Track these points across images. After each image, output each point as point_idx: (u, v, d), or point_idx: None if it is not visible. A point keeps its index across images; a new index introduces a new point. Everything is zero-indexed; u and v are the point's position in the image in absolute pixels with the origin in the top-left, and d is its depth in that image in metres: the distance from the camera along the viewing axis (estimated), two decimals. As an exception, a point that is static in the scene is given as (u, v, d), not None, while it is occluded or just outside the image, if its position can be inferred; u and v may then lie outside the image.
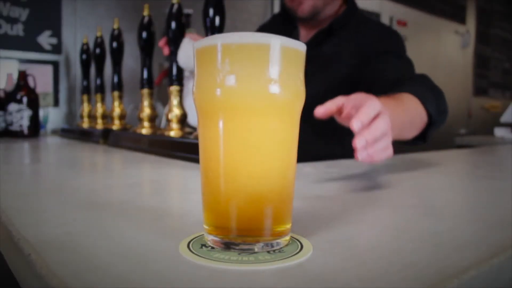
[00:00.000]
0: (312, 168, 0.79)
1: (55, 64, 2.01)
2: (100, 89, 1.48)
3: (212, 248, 0.30)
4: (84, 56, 1.54)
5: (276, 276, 0.25)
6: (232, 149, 0.30)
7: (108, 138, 1.24)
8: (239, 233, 0.29)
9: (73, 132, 1.56)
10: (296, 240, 0.32)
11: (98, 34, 1.44)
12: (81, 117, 1.58)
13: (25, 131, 1.52)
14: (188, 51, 0.97)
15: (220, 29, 0.83)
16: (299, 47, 0.31)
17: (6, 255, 0.35)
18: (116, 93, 1.33)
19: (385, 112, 0.55)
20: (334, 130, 0.84)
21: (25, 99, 1.52)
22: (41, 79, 1.90)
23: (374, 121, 0.53)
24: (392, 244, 0.32)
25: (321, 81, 1.12)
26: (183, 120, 0.98)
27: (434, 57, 4.01)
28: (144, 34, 1.09)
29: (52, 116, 1.95)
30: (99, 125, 1.44)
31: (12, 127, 1.51)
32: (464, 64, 4.38)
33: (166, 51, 1.05)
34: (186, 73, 1.07)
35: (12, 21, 1.89)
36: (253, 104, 0.29)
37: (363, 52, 1.11)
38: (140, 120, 1.11)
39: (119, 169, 0.83)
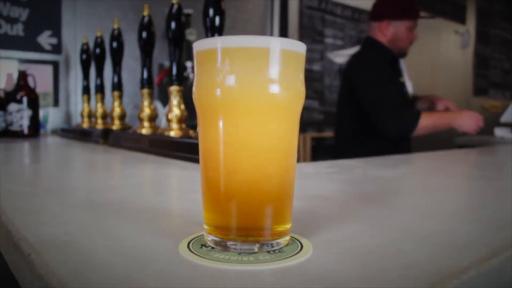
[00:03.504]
0: (312, 168, 0.79)
1: (55, 64, 2.01)
2: (100, 89, 1.48)
3: (212, 248, 0.30)
4: (84, 56, 1.54)
5: (276, 276, 0.25)
6: (232, 149, 0.30)
7: (108, 138, 1.24)
8: (239, 233, 0.29)
9: (73, 132, 1.56)
10: (296, 240, 0.32)
11: (98, 34, 1.44)
12: (81, 117, 1.58)
13: (25, 131, 1.52)
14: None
15: (220, 29, 0.83)
16: (299, 49, 0.31)
17: (6, 255, 0.35)
18: (116, 93, 1.33)
19: None
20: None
21: (25, 99, 1.52)
22: (41, 79, 1.90)
23: None
24: (392, 244, 0.32)
25: None
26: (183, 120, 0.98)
27: (434, 57, 4.01)
28: (144, 34, 1.09)
29: (52, 116, 1.95)
30: (99, 125, 1.44)
31: (12, 127, 1.51)
32: (464, 64, 4.38)
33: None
34: None
35: (12, 21, 1.89)
36: (253, 104, 0.29)
37: None
38: (140, 120, 1.11)
39: (119, 169, 0.83)
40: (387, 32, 1.66)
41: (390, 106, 1.53)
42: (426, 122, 1.48)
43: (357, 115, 1.66)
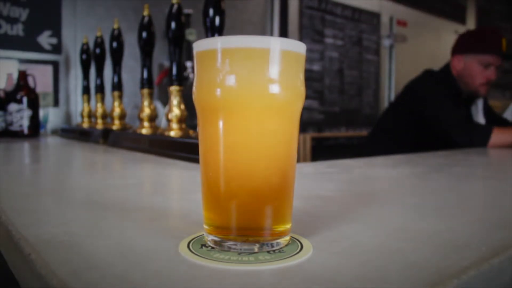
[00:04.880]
0: (312, 168, 0.79)
1: (55, 64, 2.01)
2: (100, 89, 1.48)
3: (212, 248, 0.30)
4: (84, 56, 1.55)
5: (276, 276, 0.25)
6: (232, 149, 0.30)
7: (108, 138, 1.24)
8: (239, 233, 0.29)
9: (73, 132, 1.56)
10: (296, 240, 0.32)
11: (98, 34, 1.44)
12: (81, 117, 1.58)
13: (25, 131, 1.52)
14: None
15: (220, 29, 0.83)
16: (299, 49, 0.31)
17: (6, 255, 0.35)
18: (116, 93, 1.33)
19: None
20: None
21: (25, 99, 1.52)
22: (41, 79, 1.90)
23: None
24: (392, 244, 0.32)
25: None
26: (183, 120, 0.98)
27: (434, 57, 4.01)
28: (144, 34, 1.09)
29: (52, 116, 1.95)
30: (99, 125, 1.44)
31: (12, 127, 1.51)
32: (464, 64, 4.37)
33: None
34: None
35: (12, 21, 1.88)
36: (253, 104, 0.29)
37: None
38: (140, 120, 1.11)
39: (119, 169, 0.83)
40: (457, 66, 1.60)
41: (460, 120, 1.49)
42: (499, 138, 1.40)
43: (406, 123, 1.64)
